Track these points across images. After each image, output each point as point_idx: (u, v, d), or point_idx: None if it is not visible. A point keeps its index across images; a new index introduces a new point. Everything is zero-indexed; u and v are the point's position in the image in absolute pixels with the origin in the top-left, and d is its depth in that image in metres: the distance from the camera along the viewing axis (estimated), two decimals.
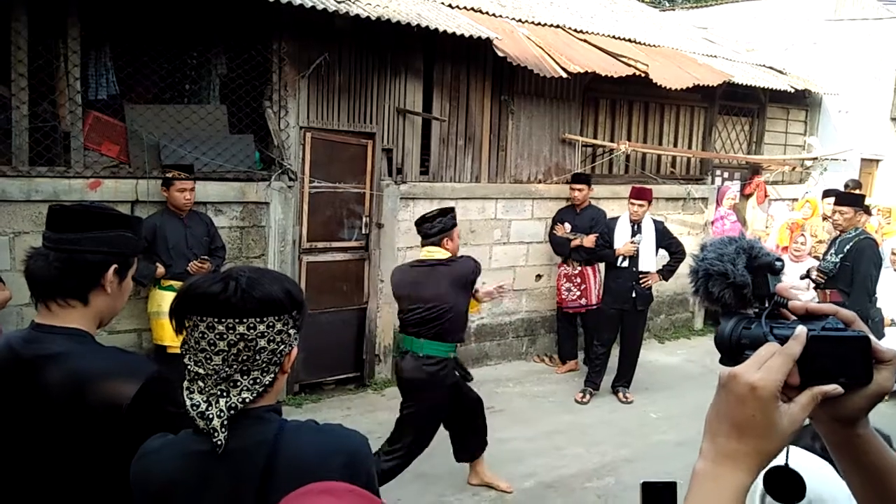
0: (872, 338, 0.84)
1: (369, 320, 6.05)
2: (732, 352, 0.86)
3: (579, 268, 6.58)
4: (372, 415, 5.46)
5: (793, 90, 8.53)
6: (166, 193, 4.76)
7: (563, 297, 6.76)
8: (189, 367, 1.34)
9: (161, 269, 4.70)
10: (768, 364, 0.81)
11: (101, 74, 5.02)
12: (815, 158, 9.52)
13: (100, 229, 1.69)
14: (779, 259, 0.91)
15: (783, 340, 0.83)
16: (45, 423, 1.60)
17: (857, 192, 7.40)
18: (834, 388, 0.81)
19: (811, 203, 8.26)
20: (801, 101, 9.34)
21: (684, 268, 6.78)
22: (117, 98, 5.11)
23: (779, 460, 0.89)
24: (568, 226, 6.49)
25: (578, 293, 6.61)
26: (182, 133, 5.10)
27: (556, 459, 4.93)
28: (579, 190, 6.57)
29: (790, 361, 0.81)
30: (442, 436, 4.95)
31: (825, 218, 7.59)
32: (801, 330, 0.82)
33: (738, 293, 0.91)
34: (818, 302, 5.84)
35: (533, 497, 4.41)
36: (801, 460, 1.30)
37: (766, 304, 0.90)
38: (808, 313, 0.88)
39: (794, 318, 0.89)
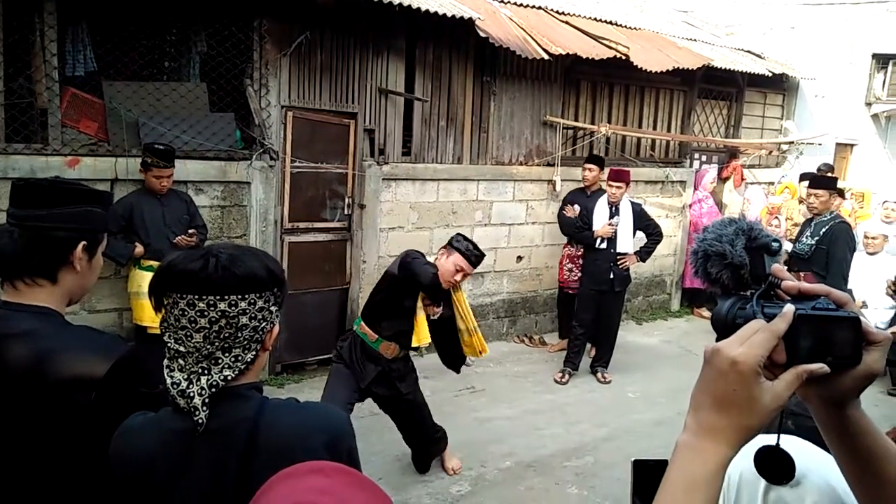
0: (864, 319, 0.85)
1: (351, 301, 6.06)
2: (728, 331, 0.86)
3: (582, 249, 6.62)
4: None
5: (771, 74, 8.61)
6: (144, 175, 4.70)
7: (565, 277, 6.83)
8: (169, 344, 1.32)
9: (140, 249, 4.65)
10: (751, 340, 0.81)
11: (79, 50, 4.93)
12: (792, 142, 9.64)
13: (67, 205, 1.63)
14: (776, 240, 0.91)
15: (772, 319, 0.83)
16: (11, 403, 1.56)
17: (830, 175, 7.53)
18: (819, 366, 0.82)
19: (790, 188, 8.39)
20: (779, 86, 9.43)
21: (661, 249, 6.89)
22: (95, 75, 5.02)
23: (770, 440, 0.92)
24: (577, 207, 6.49)
25: (580, 274, 6.67)
26: (162, 111, 5.03)
27: (536, 439, 5.00)
28: (590, 170, 6.49)
29: (774, 338, 0.81)
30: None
31: (801, 201, 7.72)
32: (789, 308, 0.83)
33: (735, 274, 0.92)
34: None
35: (513, 476, 4.48)
36: (790, 440, 1.33)
37: (762, 285, 0.90)
38: (801, 294, 0.88)
39: (787, 298, 0.89)
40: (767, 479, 0.90)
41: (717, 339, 0.87)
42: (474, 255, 3.92)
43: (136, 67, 5.24)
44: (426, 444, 4.35)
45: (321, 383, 5.69)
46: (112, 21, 4.94)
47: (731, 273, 0.92)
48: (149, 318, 4.62)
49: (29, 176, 4.32)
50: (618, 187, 6.05)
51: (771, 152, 9.59)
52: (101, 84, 4.94)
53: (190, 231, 4.77)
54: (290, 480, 0.84)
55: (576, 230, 6.31)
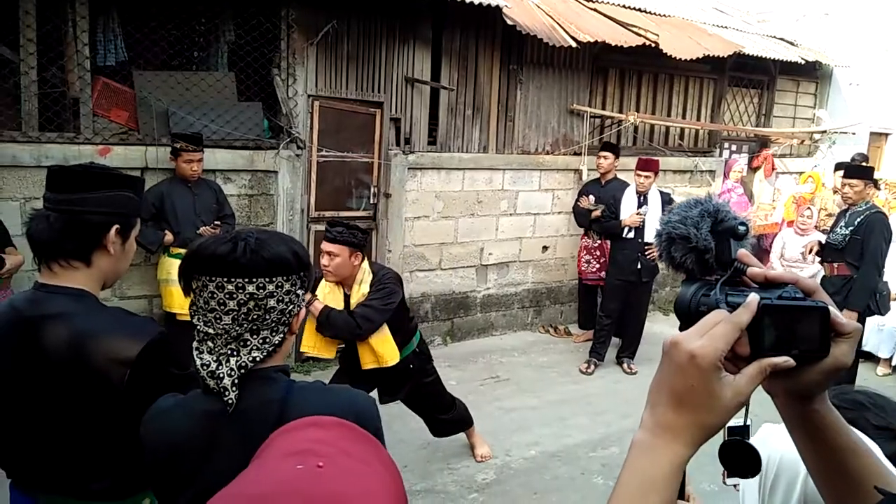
0: (832, 309, 0.79)
1: None
2: (691, 319, 0.82)
3: (599, 241, 6.57)
4: None
5: (803, 62, 8.44)
6: (174, 162, 4.76)
7: (583, 269, 6.78)
8: (199, 327, 1.34)
9: (169, 237, 4.72)
10: (712, 332, 0.76)
11: (110, 40, 4.99)
12: (824, 132, 9.45)
13: (100, 189, 1.67)
14: (742, 223, 0.86)
15: (735, 308, 0.78)
16: (48, 383, 1.60)
17: (865, 165, 7.37)
18: (785, 360, 0.77)
19: (814, 177, 8.23)
20: (812, 74, 9.24)
21: None
22: (126, 64, 5.08)
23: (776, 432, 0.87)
24: (592, 198, 6.45)
25: (598, 266, 6.61)
26: (190, 100, 5.08)
27: (561, 429, 4.99)
28: (605, 158, 6.41)
29: (736, 330, 0.76)
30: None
31: (835, 191, 7.57)
32: (753, 298, 0.77)
33: (700, 258, 0.86)
34: (824, 275, 5.84)
35: (538, 466, 4.48)
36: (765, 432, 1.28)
37: (728, 271, 0.85)
38: (767, 281, 0.83)
39: (754, 285, 0.84)
40: (733, 473, 0.86)
41: (680, 326, 0.83)
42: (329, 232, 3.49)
43: (166, 57, 5.30)
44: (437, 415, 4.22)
45: None
46: (142, 11, 4.99)
47: (695, 257, 0.86)
48: (178, 304, 4.68)
49: (62, 164, 4.38)
50: (646, 176, 5.99)
51: (803, 142, 9.41)
52: (132, 73, 5.00)
53: (216, 223, 4.82)
54: (290, 433, 0.85)
55: (603, 220, 6.26)
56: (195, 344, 1.36)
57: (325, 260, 3.48)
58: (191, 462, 1.35)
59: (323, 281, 3.58)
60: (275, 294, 1.34)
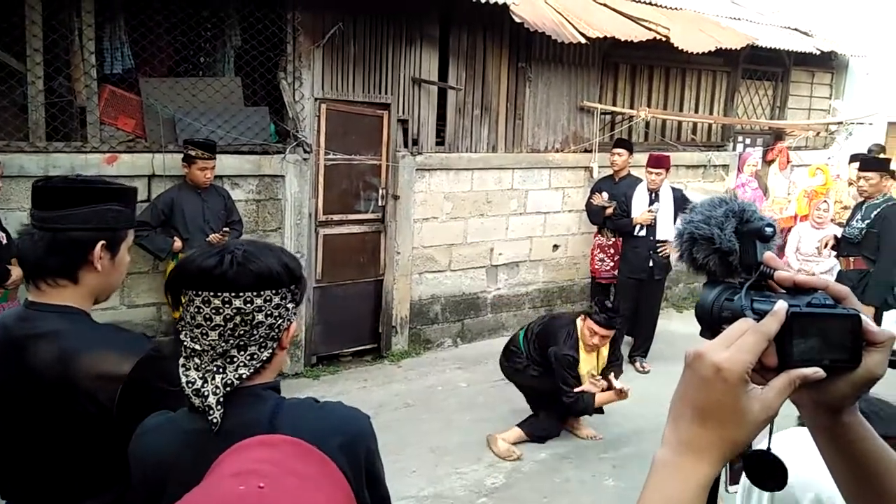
0: (864, 317, 0.75)
1: (386, 292, 6.07)
2: (712, 324, 0.79)
3: (612, 239, 6.51)
4: (388, 386, 5.52)
5: (818, 52, 8.30)
6: (187, 170, 4.77)
7: (597, 267, 6.72)
8: (185, 343, 1.32)
9: (178, 243, 4.73)
10: (738, 343, 0.72)
11: (116, 48, 5.00)
12: (840, 123, 9.29)
13: (85, 204, 1.63)
14: (770, 224, 0.82)
15: (762, 315, 0.75)
16: (37, 402, 1.58)
17: (882, 156, 7.24)
18: (815, 371, 0.73)
19: (822, 170, 8.09)
20: (827, 64, 9.09)
21: None
22: (132, 72, 5.10)
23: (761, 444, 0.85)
24: (605, 195, 6.39)
25: (612, 264, 6.56)
26: (197, 106, 5.09)
27: None
28: (619, 154, 6.37)
29: (764, 340, 0.72)
30: (458, 412, 5.03)
31: (850, 183, 7.44)
32: (781, 305, 0.74)
33: (723, 260, 0.83)
34: (840, 269, 5.74)
35: (549, 468, 4.45)
36: (784, 443, 1.25)
37: (753, 274, 0.81)
38: (795, 286, 0.79)
39: (781, 290, 0.80)
40: (758, 486, 0.82)
41: (701, 332, 0.79)
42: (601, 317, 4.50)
43: (172, 63, 5.31)
44: None
45: (356, 375, 5.77)
46: (148, 17, 5.00)
47: (718, 259, 0.83)
48: None
49: (69, 173, 4.41)
50: (657, 174, 5.93)
51: (818, 133, 9.27)
52: (138, 81, 5.02)
53: (224, 230, 4.83)
54: (239, 453, 0.84)
55: (614, 218, 6.21)
56: (182, 361, 1.34)
57: (596, 340, 4.51)
58: (177, 481, 1.33)
59: (582, 349, 4.58)
60: (263, 308, 1.31)
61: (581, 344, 4.57)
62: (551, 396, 4.57)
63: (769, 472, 0.81)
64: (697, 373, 0.74)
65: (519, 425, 4.70)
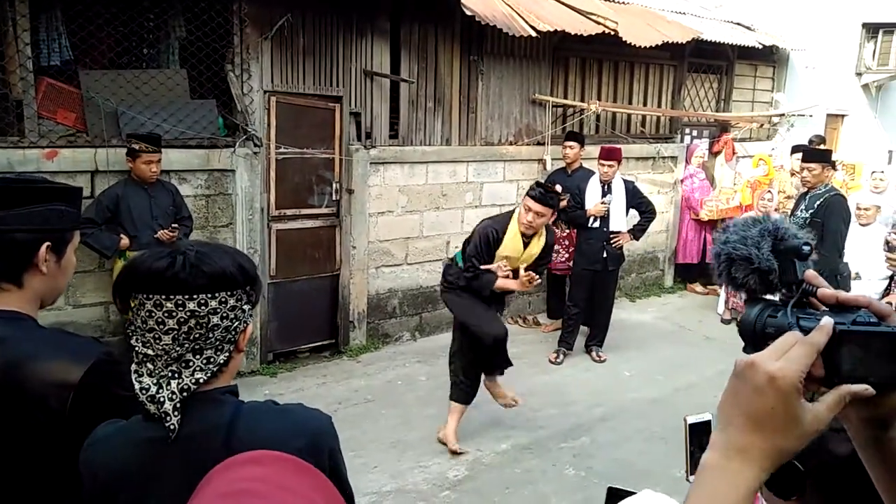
0: None
1: (342, 287, 5.99)
2: (756, 340, 0.81)
3: (567, 230, 6.56)
4: (347, 382, 5.44)
5: (761, 46, 8.52)
6: (131, 164, 4.60)
7: (552, 258, 6.75)
8: (137, 348, 1.27)
9: (125, 241, 4.57)
10: (789, 354, 0.75)
11: (53, 39, 4.79)
12: (782, 115, 9.57)
13: (27, 204, 1.54)
14: (807, 243, 0.84)
15: (808, 332, 0.77)
16: None
17: (822, 147, 7.48)
18: (864, 388, 0.75)
19: (765, 160, 8.33)
20: (769, 58, 9.35)
21: (654, 226, 6.82)
22: (71, 64, 4.89)
23: None
24: (559, 187, 6.43)
25: (567, 255, 6.60)
26: (141, 99, 4.92)
27: (532, 421, 4.97)
28: (570, 147, 6.43)
29: (813, 352, 0.75)
30: (418, 406, 5.01)
31: (793, 174, 7.67)
32: (827, 321, 0.76)
33: (763, 279, 0.85)
34: None
35: (510, 459, 4.46)
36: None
37: (794, 291, 0.83)
38: (838, 303, 0.81)
39: (823, 308, 0.82)
40: (774, 491, 0.84)
41: (744, 347, 0.81)
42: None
43: (114, 55, 5.12)
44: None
45: (314, 371, 5.68)
46: (86, 8, 4.81)
47: (758, 278, 0.85)
48: None
49: (7, 170, 4.22)
50: (609, 166, 6.00)
51: (762, 125, 9.53)
52: (78, 73, 4.82)
53: (173, 226, 4.68)
54: (227, 471, 0.83)
55: (568, 210, 6.25)
56: (134, 367, 1.28)
57: (530, 216, 4.12)
58: (130, 493, 1.27)
59: (514, 227, 4.23)
60: (218, 311, 1.26)
61: (513, 224, 4.26)
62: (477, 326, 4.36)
63: (787, 479, 0.84)
64: (750, 381, 0.75)
65: (450, 398, 4.53)
